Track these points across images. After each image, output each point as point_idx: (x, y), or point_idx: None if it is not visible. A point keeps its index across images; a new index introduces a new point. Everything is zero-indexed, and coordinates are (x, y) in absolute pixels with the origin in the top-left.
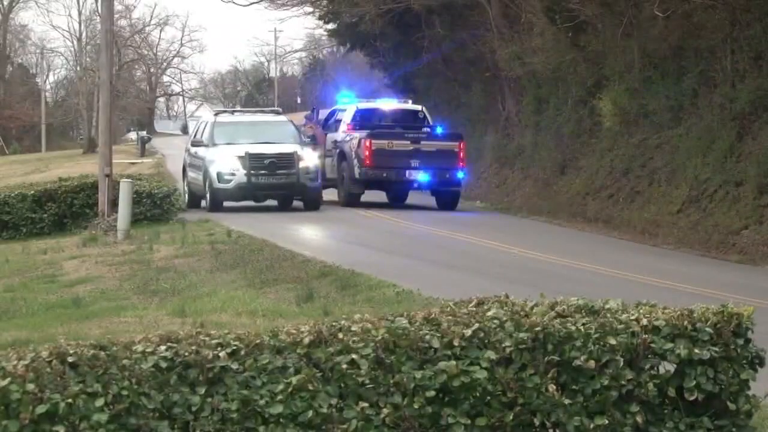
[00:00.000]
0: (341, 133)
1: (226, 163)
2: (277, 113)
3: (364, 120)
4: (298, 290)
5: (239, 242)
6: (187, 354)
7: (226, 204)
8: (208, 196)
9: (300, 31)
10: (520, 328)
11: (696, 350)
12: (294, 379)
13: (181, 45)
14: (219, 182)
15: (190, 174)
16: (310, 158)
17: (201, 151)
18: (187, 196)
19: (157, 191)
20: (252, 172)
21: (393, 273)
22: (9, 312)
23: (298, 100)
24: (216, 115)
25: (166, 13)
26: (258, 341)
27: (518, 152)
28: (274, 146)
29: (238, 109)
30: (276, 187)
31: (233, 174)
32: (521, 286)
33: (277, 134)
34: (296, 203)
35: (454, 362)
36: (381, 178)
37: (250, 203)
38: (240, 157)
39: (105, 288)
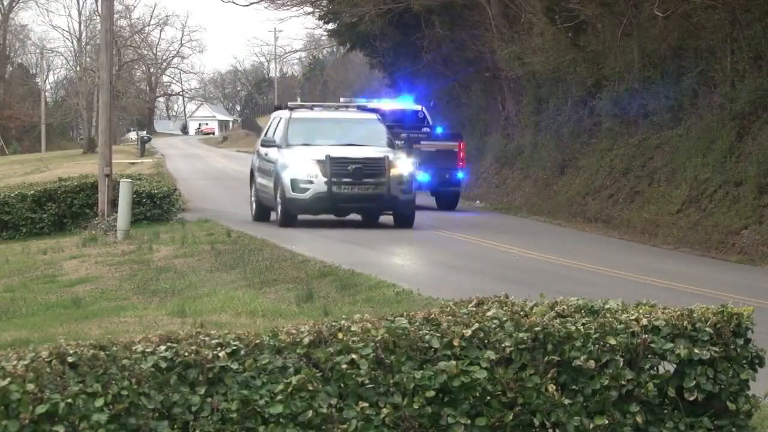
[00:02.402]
0: None
1: (302, 168)
2: (365, 109)
3: None
4: (297, 290)
5: (239, 242)
6: (187, 354)
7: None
8: (279, 207)
9: (300, 31)
10: (519, 328)
11: (696, 350)
12: (294, 379)
13: (181, 45)
14: (293, 191)
15: (259, 180)
16: (403, 165)
17: (272, 153)
18: (254, 206)
19: (157, 191)
20: (333, 179)
21: (393, 273)
22: (9, 312)
23: (298, 100)
24: (291, 109)
25: (166, 13)
26: (258, 341)
27: (518, 152)
28: (361, 149)
29: (318, 103)
30: (361, 198)
31: (310, 182)
32: (521, 286)
33: (365, 134)
34: (384, 218)
35: (454, 362)
36: None
37: (328, 217)
38: (319, 162)
39: (105, 288)
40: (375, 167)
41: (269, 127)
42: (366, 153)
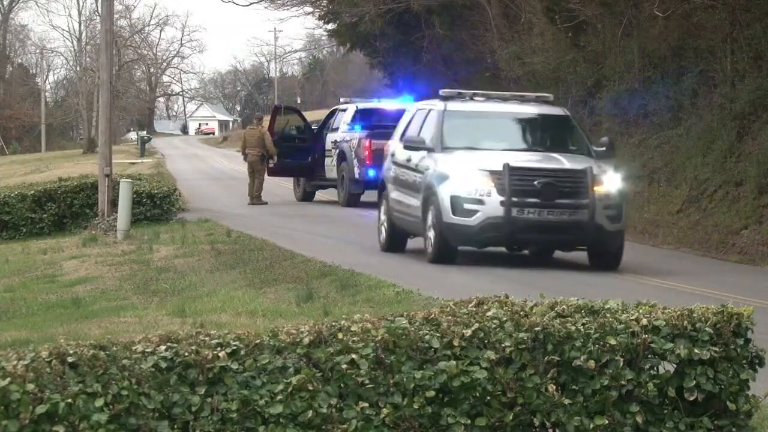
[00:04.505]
0: (341, 133)
1: (468, 181)
2: (549, 102)
3: (363, 120)
4: (298, 290)
5: (239, 242)
6: (187, 354)
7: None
8: (431, 234)
9: (300, 31)
10: (519, 328)
11: (696, 350)
12: (294, 379)
13: (181, 45)
14: (454, 214)
15: (394, 195)
16: (611, 180)
17: (419, 158)
18: (383, 230)
19: (157, 191)
20: (514, 199)
21: (393, 273)
22: (9, 312)
23: (298, 100)
24: (445, 99)
25: (165, 13)
26: (258, 341)
27: None
28: (551, 157)
29: (480, 92)
30: (552, 227)
31: (480, 201)
32: (521, 286)
33: (551, 136)
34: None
35: (454, 362)
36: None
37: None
38: (493, 174)
39: (105, 288)
40: (574, 183)
41: (410, 122)
42: (560, 163)
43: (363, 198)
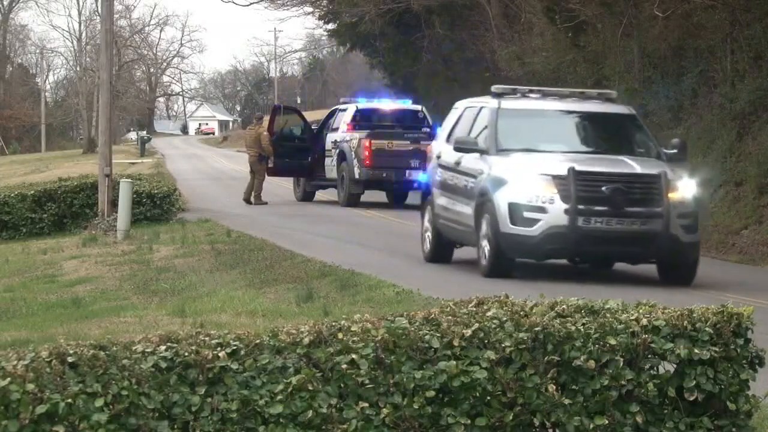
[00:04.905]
0: (341, 133)
1: (528, 187)
2: (611, 99)
3: (363, 120)
4: (298, 290)
5: (239, 242)
6: (187, 354)
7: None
8: (486, 245)
9: (300, 31)
10: (520, 328)
11: (696, 350)
12: (294, 379)
13: (181, 45)
14: (513, 222)
15: (441, 201)
16: (685, 186)
17: (471, 161)
18: (428, 239)
19: (157, 191)
20: (580, 207)
21: (393, 273)
22: (9, 312)
23: (298, 100)
24: (499, 96)
25: (165, 13)
26: (258, 341)
27: None
28: (619, 160)
29: (536, 88)
30: (623, 238)
31: (542, 209)
32: (521, 286)
33: (618, 137)
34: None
35: (454, 362)
36: (381, 178)
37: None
38: (556, 179)
39: (105, 288)
40: (646, 189)
41: (459, 120)
42: (630, 167)
43: (363, 198)
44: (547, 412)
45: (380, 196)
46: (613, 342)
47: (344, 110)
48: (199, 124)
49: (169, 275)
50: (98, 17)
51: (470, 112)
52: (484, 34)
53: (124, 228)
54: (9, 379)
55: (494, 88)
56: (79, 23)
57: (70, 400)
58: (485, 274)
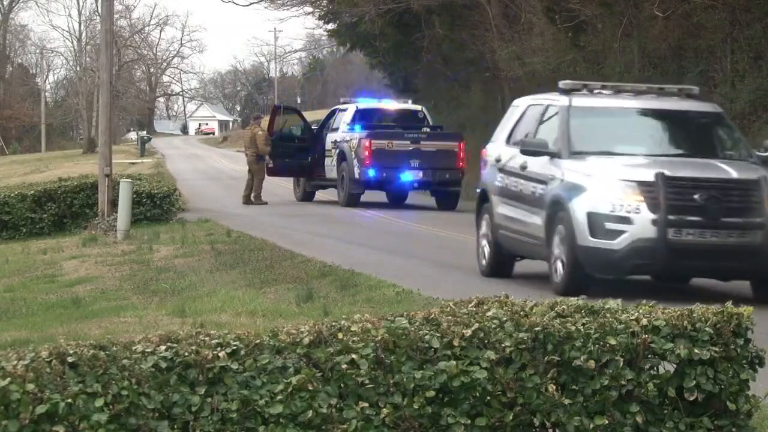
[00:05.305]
0: (341, 133)
1: (609, 195)
2: (694, 96)
3: (364, 120)
4: (298, 290)
5: (239, 242)
6: (187, 354)
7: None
8: (560, 260)
9: (300, 31)
10: (519, 328)
11: (696, 350)
12: (294, 379)
13: (181, 45)
14: (593, 235)
15: (502, 209)
16: None
17: (539, 165)
18: (486, 251)
19: (157, 191)
20: (670, 217)
21: (393, 273)
22: (9, 312)
23: (298, 100)
24: (567, 93)
25: (165, 13)
26: (258, 341)
27: None
28: (711, 165)
29: (608, 84)
30: (720, 252)
31: (626, 219)
32: (521, 286)
33: (704, 140)
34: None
35: (454, 362)
36: (381, 178)
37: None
38: (642, 185)
39: (105, 288)
40: (744, 197)
41: (515, 121)
42: (725, 172)
43: (363, 198)
44: (547, 412)
45: (380, 196)
46: (613, 342)
47: (344, 110)
48: (199, 124)
49: (169, 275)
50: (98, 17)
51: (534, 111)
52: (484, 34)
53: (124, 228)
54: (9, 379)
55: (562, 83)
56: (79, 23)
57: (70, 400)
58: (559, 291)
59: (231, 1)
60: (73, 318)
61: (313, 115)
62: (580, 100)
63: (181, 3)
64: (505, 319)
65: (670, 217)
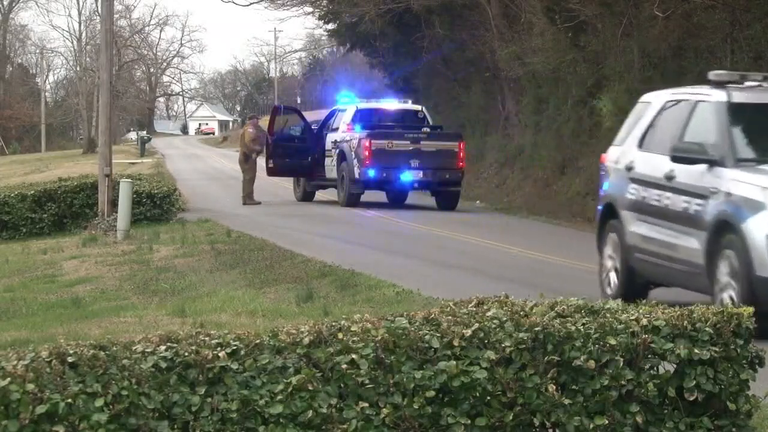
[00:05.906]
0: (341, 133)
1: None
2: None
3: (363, 120)
4: (298, 290)
5: (239, 242)
6: (187, 354)
7: None
8: (729, 292)
9: (300, 31)
10: (519, 328)
11: (696, 350)
12: (294, 379)
13: (181, 45)
14: None
15: (637, 228)
16: None
17: (693, 175)
18: (613, 275)
19: (157, 191)
20: None
21: (393, 273)
22: (9, 312)
23: (298, 100)
24: (721, 87)
25: (165, 13)
26: (258, 341)
27: (518, 152)
28: None
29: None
30: None
31: None
32: (521, 286)
33: None
34: None
35: (454, 362)
36: (381, 178)
37: None
38: None
39: (105, 288)
40: None
41: (650, 120)
42: None
43: (363, 198)
44: (547, 412)
45: (380, 196)
46: (613, 342)
47: (344, 110)
48: (199, 124)
49: (169, 275)
50: (98, 17)
51: (676, 108)
52: (484, 34)
53: (124, 228)
54: (9, 379)
55: (713, 74)
56: (79, 23)
57: (70, 400)
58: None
59: (231, 1)
60: (73, 318)
61: (313, 115)
62: (741, 96)
63: (181, 3)
64: (505, 319)
65: None
